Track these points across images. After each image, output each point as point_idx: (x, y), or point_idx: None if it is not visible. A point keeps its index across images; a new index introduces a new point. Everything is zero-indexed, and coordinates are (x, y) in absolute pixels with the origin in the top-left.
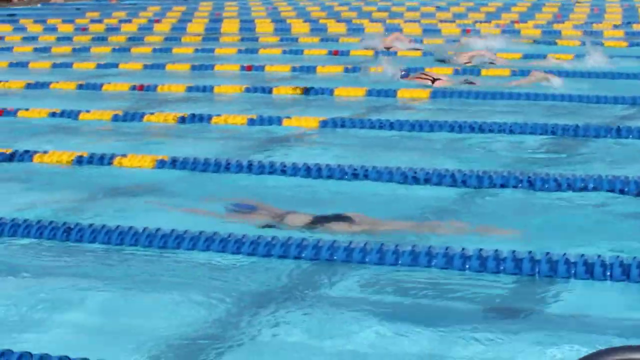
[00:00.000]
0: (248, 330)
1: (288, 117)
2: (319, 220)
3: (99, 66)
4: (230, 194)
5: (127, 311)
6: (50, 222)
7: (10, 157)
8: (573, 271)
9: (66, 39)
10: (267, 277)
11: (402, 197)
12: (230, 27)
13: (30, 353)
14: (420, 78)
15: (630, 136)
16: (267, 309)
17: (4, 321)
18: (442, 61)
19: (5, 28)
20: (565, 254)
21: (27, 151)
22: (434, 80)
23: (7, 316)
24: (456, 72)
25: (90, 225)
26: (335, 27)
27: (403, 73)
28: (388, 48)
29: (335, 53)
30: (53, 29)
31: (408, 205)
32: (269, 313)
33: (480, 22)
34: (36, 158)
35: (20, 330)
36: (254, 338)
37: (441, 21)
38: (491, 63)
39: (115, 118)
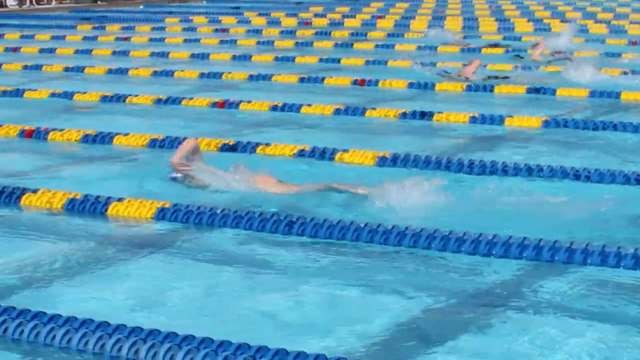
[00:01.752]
0: (465, 329)
1: (510, 116)
2: None
3: (321, 60)
4: (449, 192)
5: (344, 304)
6: (272, 215)
7: (233, 148)
8: None
9: (289, 32)
10: (486, 276)
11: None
12: (453, 24)
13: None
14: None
15: None
16: (485, 309)
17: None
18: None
19: (230, 20)
20: None
21: (249, 142)
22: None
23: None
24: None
25: (312, 219)
26: (557, 27)
27: (442, 72)
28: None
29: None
30: (277, 22)
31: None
32: (486, 313)
33: None
34: (259, 150)
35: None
36: (472, 337)
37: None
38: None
39: (337, 112)
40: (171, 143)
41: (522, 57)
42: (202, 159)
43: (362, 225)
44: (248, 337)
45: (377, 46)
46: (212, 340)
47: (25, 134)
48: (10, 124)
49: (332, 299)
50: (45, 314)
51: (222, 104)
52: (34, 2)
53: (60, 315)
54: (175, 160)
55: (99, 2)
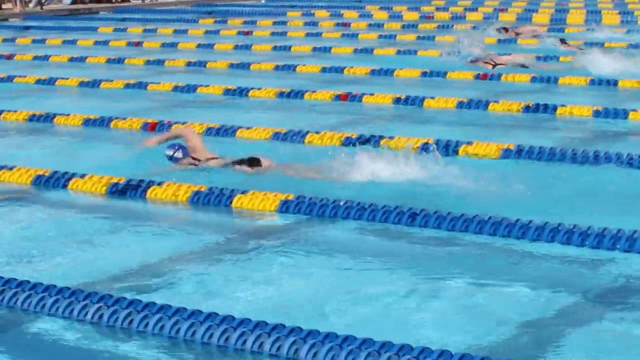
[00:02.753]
0: (588, 325)
1: (634, 110)
2: None
3: (442, 54)
4: (571, 186)
5: (468, 297)
6: (396, 207)
7: (354, 142)
8: None
9: (411, 26)
10: (610, 271)
11: None
12: (575, 18)
13: (411, 346)
14: (487, 63)
15: None
16: (612, 306)
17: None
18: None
19: (352, 14)
20: None
21: (373, 136)
22: (494, 65)
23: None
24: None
25: (435, 212)
26: None
27: (472, 58)
28: None
29: None
30: (398, 17)
31: None
32: (614, 310)
33: None
34: (382, 143)
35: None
36: (597, 334)
37: None
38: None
39: (460, 105)
40: (294, 136)
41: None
42: (202, 146)
43: (486, 218)
44: (372, 331)
45: (499, 41)
46: (337, 336)
47: (149, 127)
48: (133, 117)
49: (457, 293)
50: (170, 306)
51: (345, 97)
52: None
53: (186, 309)
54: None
55: None
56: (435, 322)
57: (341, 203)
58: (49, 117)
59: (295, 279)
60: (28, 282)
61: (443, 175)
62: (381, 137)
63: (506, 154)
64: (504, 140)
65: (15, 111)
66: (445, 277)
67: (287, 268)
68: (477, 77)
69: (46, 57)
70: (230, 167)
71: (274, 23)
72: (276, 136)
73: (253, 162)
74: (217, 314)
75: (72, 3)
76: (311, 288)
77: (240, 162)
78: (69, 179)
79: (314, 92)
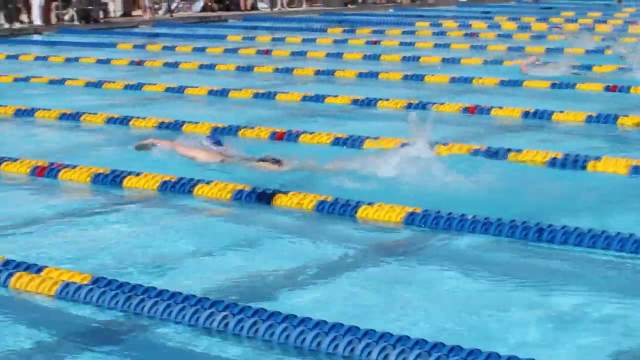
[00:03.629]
0: None
1: None
2: None
3: (571, 66)
4: None
5: (596, 316)
6: (523, 222)
7: (495, 155)
8: None
9: (539, 37)
10: None
11: None
12: None
13: None
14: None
15: None
16: None
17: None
18: None
19: (480, 25)
20: None
21: (500, 148)
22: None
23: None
24: None
25: (563, 227)
26: None
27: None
28: None
29: None
30: (527, 27)
31: None
32: None
33: None
34: (510, 157)
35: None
36: None
37: None
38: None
39: (589, 119)
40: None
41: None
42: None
43: (614, 234)
44: (498, 346)
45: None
46: (444, 345)
47: (277, 137)
48: (261, 125)
49: (583, 311)
50: (295, 316)
51: (473, 109)
52: (285, 4)
53: (311, 319)
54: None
55: (349, 6)
56: (571, 341)
57: (468, 217)
58: (177, 125)
59: (419, 292)
60: (154, 288)
61: (570, 190)
62: (509, 151)
63: (636, 171)
64: (634, 156)
65: (144, 118)
66: (569, 292)
67: (410, 281)
68: (607, 88)
69: (176, 65)
70: (254, 165)
71: (403, 33)
72: (405, 146)
73: (275, 160)
74: (342, 325)
75: (201, 10)
76: (435, 302)
77: (264, 159)
78: (194, 185)
79: (441, 103)
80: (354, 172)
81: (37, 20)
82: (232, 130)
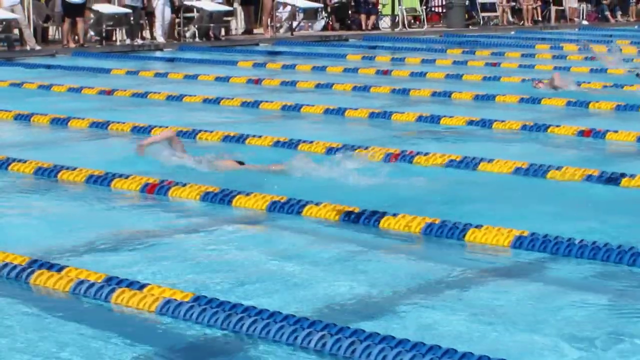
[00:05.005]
0: None
1: None
2: None
3: None
4: None
5: None
6: (631, 248)
7: (609, 180)
8: None
9: None
10: None
11: None
12: None
13: None
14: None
15: None
16: None
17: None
18: None
19: (601, 48)
20: None
21: (613, 173)
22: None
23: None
24: None
25: None
26: None
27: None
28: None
29: None
30: None
31: None
32: None
33: None
34: (624, 182)
35: None
36: None
37: None
38: None
39: None
40: (535, 171)
41: None
42: (182, 149)
43: None
44: None
45: None
46: None
47: (391, 158)
48: (375, 145)
49: None
50: (393, 338)
51: (588, 133)
52: (406, 25)
53: (409, 340)
54: (144, 142)
55: (470, 27)
56: None
57: (576, 241)
58: (292, 144)
59: (524, 319)
60: (254, 307)
61: None
62: (622, 175)
63: None
64: None
65: (260, 137)
66: None
67: (515, 306)
68: None
69: (293, 83)
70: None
71: (522, 55)
72: (517, 170)
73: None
74: (439, 347)
75: (323, 29)
76: (540, 330)
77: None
78: (304, 205)
79: (557, 126)
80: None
81: (161, 38)
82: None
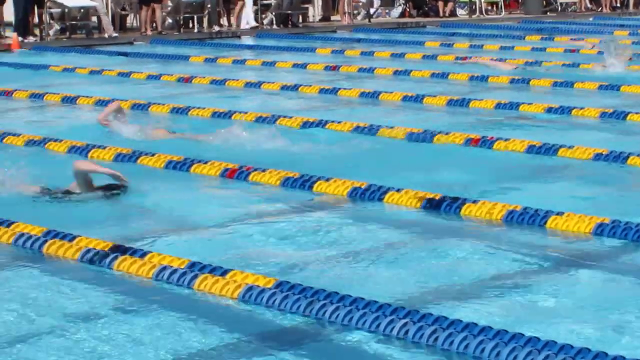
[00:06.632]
0: None
1: None
2: None
3: None
4: None
5: None
6: None
7: None
8: None
9: None
10: None
11: None
12: None
13: None
14: None
15: None
16: None
17: None
18: None
19: None
20: None
21: None
22: None
23: None
24: None
25: None
26: None
27: None
28: None
29: None
30: None
31: None
32: None
33: None
34: None
35: None
36: None
37: None
38: None
39: None
40: (615, 158)
41: None
42: (125, 117)
43: None
44: None
45: None
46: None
47: (472, 142)
48: (456, 131)
49: None
50: (475, 325)
51: None
52: (484, 12)
53: (491, 328)
54: (100, 117)
55: (548, 14)
56: None
57: None
58: (372, 130)
59: (607, 306)
60: (337, 294)
61: None
62: None
63: None
64: None
65: (340, 122)
66: None
67: (597, 294)
68: None
69: (371, 70)
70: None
71: (601, 42)
72: (597, 157)
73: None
74: (522, 335)
75: (400, 16)
76: (625, 318)
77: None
78: (385, 192)
79: (637, 113)
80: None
81: (249, 24)
82: (428, 137)
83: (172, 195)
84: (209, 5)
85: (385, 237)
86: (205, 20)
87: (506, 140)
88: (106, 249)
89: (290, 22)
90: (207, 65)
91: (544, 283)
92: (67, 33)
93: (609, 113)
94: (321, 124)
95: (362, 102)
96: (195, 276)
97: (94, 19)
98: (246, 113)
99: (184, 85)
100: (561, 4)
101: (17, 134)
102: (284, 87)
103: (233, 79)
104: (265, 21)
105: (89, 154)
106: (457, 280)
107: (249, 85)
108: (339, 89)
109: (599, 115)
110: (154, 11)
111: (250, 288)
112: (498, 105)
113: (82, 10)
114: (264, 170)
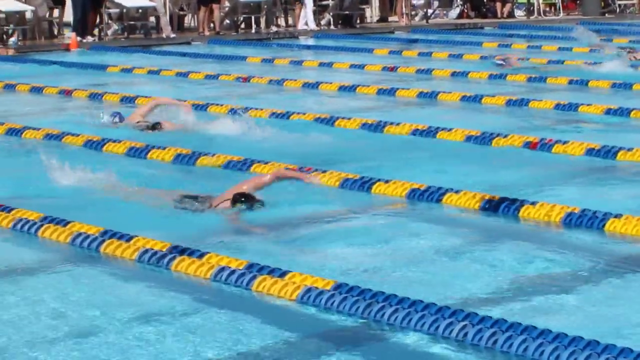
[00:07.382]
0: None
1: None
2: None
3: None
4: None
5: None
6: None
7: None
8: None
9: None
10: None
11: None
12: None
13: None
14: None
15: None
16: None
17: None
18: None
19: None
20: None
21: None
22: None
23: None
24: None
25: None
26: None
27: None
28: None
29: None
30: None
31: None
32: None
33: None
34: None
35: None
36: None
37: None
38: None
39: None
40: None
41: None
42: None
43: None
44: None
45: None
46: None
47: (531, 145)
48: (515, 134)
49: None
50: (535, 328)
51: None
52: (541, 13)
53: (550, 331)
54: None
55: (607, 15)
56: None
57: None
58: (431, 132)
59: None
60: (395, 296)
61: None
62: None
63: None
64: None
65: (398, 124)
66: None
67: None
68: None
69: (428, 71)
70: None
71: None
72: None
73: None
74: (582, 338)
75: (458, 17)
76: None
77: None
78: (444, 193)
79: None
80: None
81: (310, 25)
82: (486, 139)
83: None
84: (266, 6)
85: (443, 238)
86: (263, 20)
87: (564, 143)
88: (164, 250)
89: (347, 23)
90: (264, 66)
91: (602, 286)
92: (126, 33)
93: None
94: (380, 126)
95: (419, 102)
96: (254, 277)
97: (152, 19)
98: (304, 114)
99: (243, 85)
100: (620, 5)
101: (75, 134)
102: (342, 88)
103: (291, 79)
104: (322, 22)
105: (147, 155)
106: (515, 282)
107: (306, 85)
108: (397, 89)
109: None
110: (212, 11)
111: (309, 290)
112: (557, 107)
113: (140, 11)
114: (324, 171)
